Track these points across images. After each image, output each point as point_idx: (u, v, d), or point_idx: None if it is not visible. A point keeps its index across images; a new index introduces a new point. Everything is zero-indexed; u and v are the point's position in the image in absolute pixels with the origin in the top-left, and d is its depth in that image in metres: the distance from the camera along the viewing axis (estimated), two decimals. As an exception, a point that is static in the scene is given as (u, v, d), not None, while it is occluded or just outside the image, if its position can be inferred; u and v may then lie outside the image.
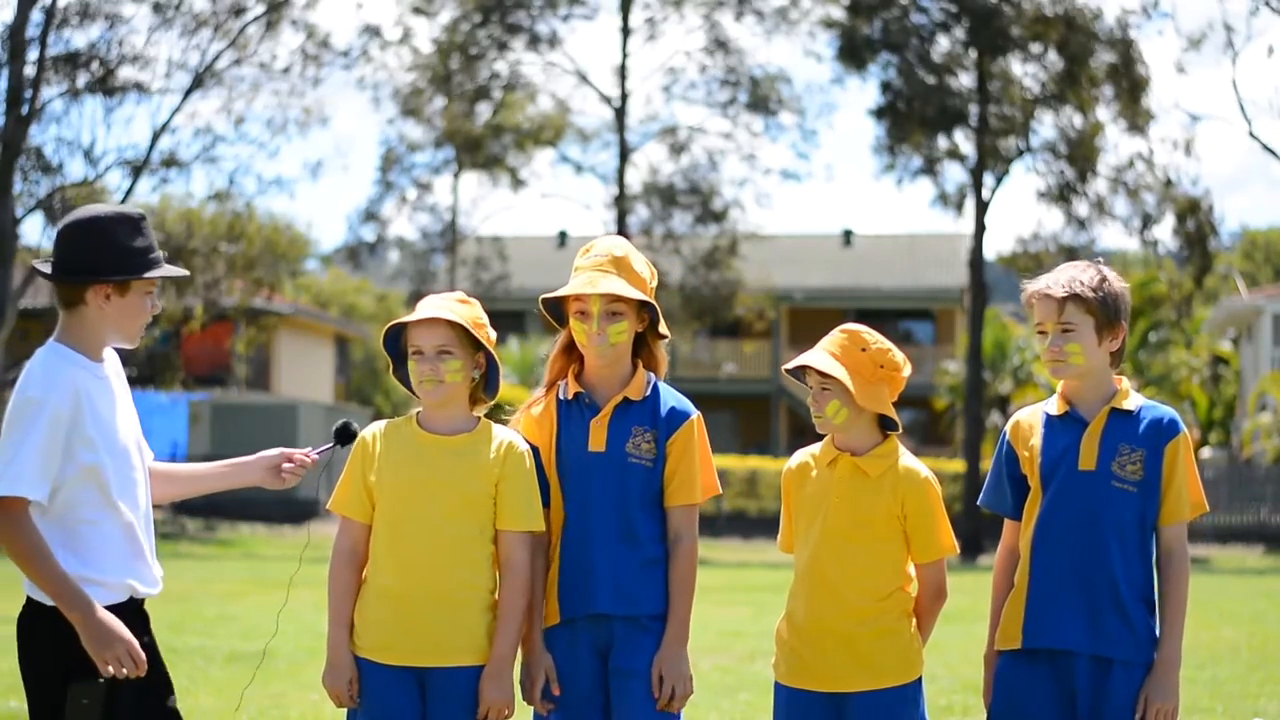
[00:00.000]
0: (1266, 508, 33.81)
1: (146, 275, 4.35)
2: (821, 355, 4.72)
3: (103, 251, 4.30)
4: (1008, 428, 4.84)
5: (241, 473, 4.70)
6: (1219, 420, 47.22)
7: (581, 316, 4.72)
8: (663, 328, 4.82)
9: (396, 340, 4.80)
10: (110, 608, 4.26)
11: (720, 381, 47.86)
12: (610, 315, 4.70)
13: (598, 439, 4.73)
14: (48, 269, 4.35)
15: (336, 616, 4.73)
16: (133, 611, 4.36)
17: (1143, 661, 4.59)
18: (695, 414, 4.80)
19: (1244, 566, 27.71)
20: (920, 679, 4.81)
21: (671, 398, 4.79)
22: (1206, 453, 42.99)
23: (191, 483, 4.74)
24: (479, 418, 4.80)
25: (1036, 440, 4.72)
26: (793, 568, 4.99)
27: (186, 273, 4.61)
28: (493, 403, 4.83)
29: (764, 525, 34.33)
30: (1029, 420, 4.80)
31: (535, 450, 4.77)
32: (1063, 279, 4.66)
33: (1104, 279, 4.65)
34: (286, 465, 4.66)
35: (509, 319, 47.12)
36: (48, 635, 4.20)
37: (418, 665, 4.67)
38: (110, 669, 4.17)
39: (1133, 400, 4.68)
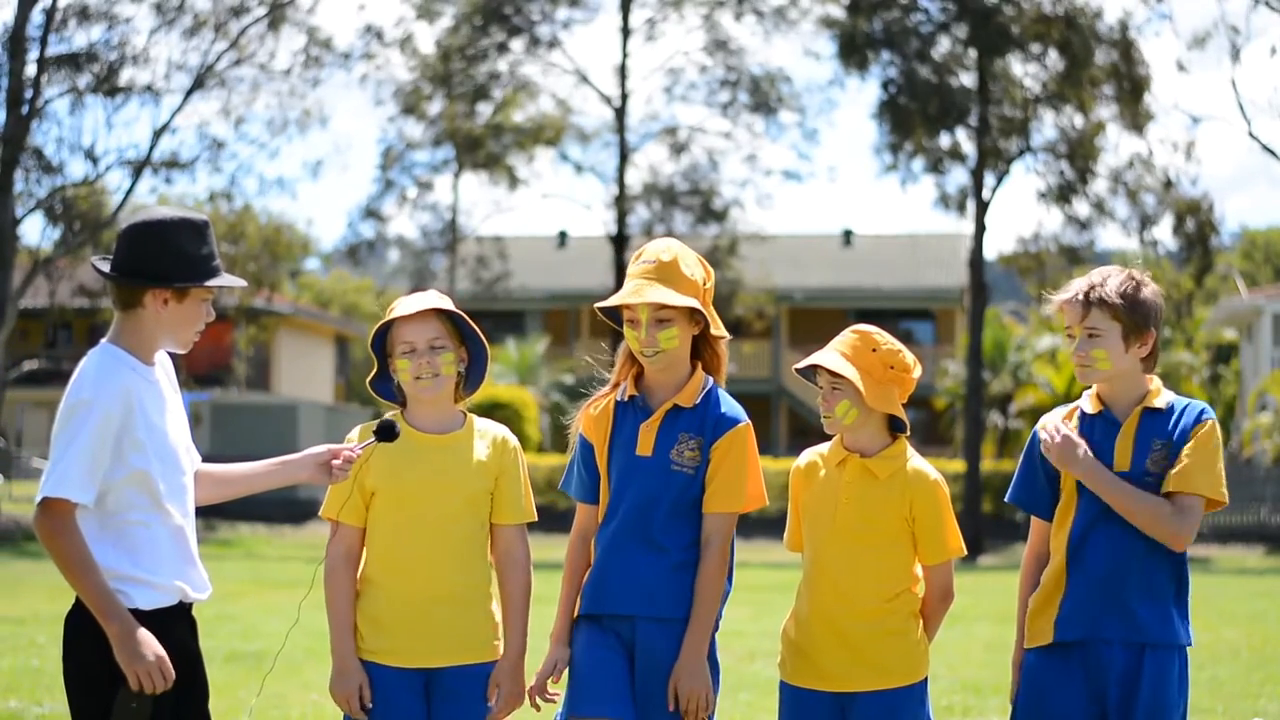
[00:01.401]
0: (1266, 508, 33.79)
1: (206, 284, 4.32)
2: (833, 355, 4.73)
3: (164, 256, 4.27)
4: (1038, 428, 4.80)
5: (291, 470, 4.63)
6: (1219, 420, 47.21)
7: (632, 324, 4.74)
8: (719, 329, 4.81)
9: (380, 343, 4.79)
10: (161, 610, 4.23)
11: (720, 381, 47.72)
12: (658, 322, 4.70)
13: (645, 443, 4.74)
14: (106, 267, 4.32)
15: (339, 623, 4.72)
16: (181, 616, 4.33)
17: (1172, 643, 4.59)
18: (744, 422, 4.79)
19: (1244, 566, 27.71)
20: (926, 680, 4.81)
21: (723, 405, 4.79)
22: (1206, 453, 42.86)
23: (244, 483, 4.68)
24: (464, 413, 4.81)
25: None
26: (795, 567, 5.00)
27: (244, 283, 4.59)
28: (468, 398, 4.83)
29: (764, 525, 34.25)
30: (1062, 421, 4.76)
31: (590, 447, 4.80)
32: (1090, 285, 4.65)
33: (1133, 285, 4.64)
34: (336, 462, 4.58)
35: (509, 319, 47.11)
36: (95, 636, 4.16)
37: (427, 666, 4.68)
38: (139, 682, 4.12)
39: (1164, 398, 4.68)
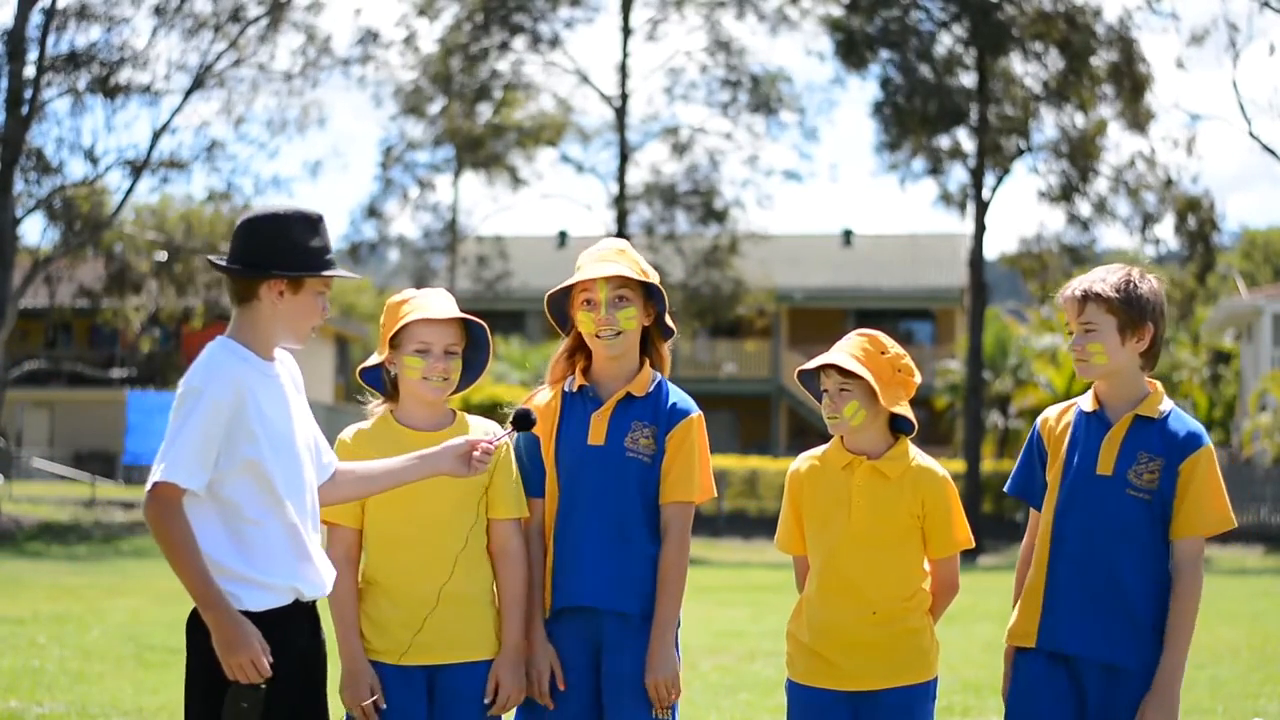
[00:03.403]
0: (1266, 508, 33.77)
1: (323, 274, 4.28)
2: (844, 356, 4.75)
3: (278, 248, 4.24)
4: (1039, 420, 4.84)
5: (431, 463, 4.53)
6: (1219, 420, 47.24)
7: (588, 306, 4.71)
8: (669, 320, 4.81)
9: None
10: (275, 611, 4.19)
11: (720, 381, 47.84)
12: (618, 300, 4.69)
13: (597, 432, 4.73)
14: (222, 263, 4.30)
15: (344, 625, 4.72)
16: (300, 614, 4.28)
17: (1150, 672, 4.58)
18: (696, 412, 4.80)
19: (1244, 566, 27.68)
20: (937, 677, 4.84)
21: (675, 395, 4.80)
22: (1206, 453, 42.85)
23: (387, 479, 4.58)
24: (454, 411, 4.83)
25: (1063, 437, 4.73)
26: (793, 568, 5.02)
27: (358, 276, 4.58)
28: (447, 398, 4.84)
29: (764, 525, 34.31)
30: (1060, 416, 4.80)
31: (536, 440, 4.78)
32: (1088, 280, 4.68)
33: (1130, 280, 4.64)
34: (476, 453, 4.50)
35: (509, 319, 47.14)
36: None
37: (429, 664, 4.68)
38: (233, 674, 4.09)
39: (1161, 406, 4.67)
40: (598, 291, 4.69)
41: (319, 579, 4.33)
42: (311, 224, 4.30)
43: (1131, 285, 4.64)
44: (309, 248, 4.27)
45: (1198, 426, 4.69)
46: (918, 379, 4.85)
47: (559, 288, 4.78)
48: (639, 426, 4.73)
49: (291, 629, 4.23)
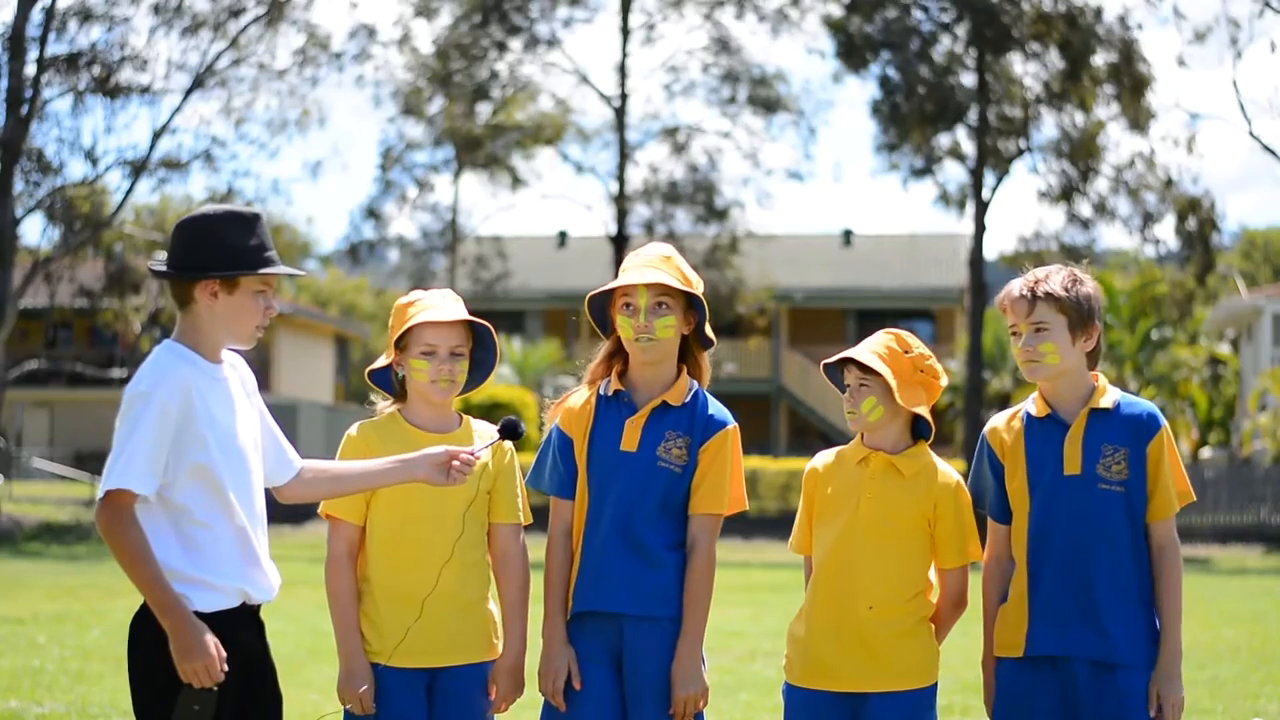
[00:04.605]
0: (1266, 508, 33.74)
1: (257, 272, 4.25)
2: (865, 352, 4.76)
3: (208, 249, 4.22)
4: (986, 431, 4.83)
5: (408, 469, 4.51)
6: (1219, 420, 47.23)
7: (628, 310, 4.71)
8: (708, 331, 4.81)
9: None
10: (222, 612, 4.19)
11: (720, 381, 47.43)
12: (658, 308, 4.68)
13: (630, 439, 4.71)
14: (161, 268, 4.28)
15: (345, 621, 4.72)
16: (246, 618, 4.28)
17: (1143, 663, 4.59)
18: (732, 424, 4.78)
19: (1244, 566, 27.67)
20: (937, 684, 4.80)
21: (712, 406, 4.78)
22: (1206, 453, 42.98)
23: (360, 480, 4.57)
24: (460, 414, 4.84)
25: (1019, 445, 4.72)
26: (796, 567, 4.99)
27: (300, 272, 4.53)
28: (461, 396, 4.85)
29: (764, 525, 34.28)
30: (1009, 424, 4.78)
31: (570, 442, 4.77)
32: (1033, 280, 4.68)
33: (1076, 280, 4.68)
34: (455, 463, 4.47)
35: (509, 319, 47.12)
36: (159, 636, 4.11)
37: (430, 666, 4.69)
38: (187, 677, 4.08)
39: (1110, 396, 4.69)
40: (638, 297, 4.69)
41: (267, 583, 4.33)
42: (246, 223, 4.27)
43: (1078, 284, 4.67)
44: (243, 247, 4.24)
45: (1151, 406, 4.72)
46: (944, 382, 4.83)
47: (600, 290, 4.79)
48: (673, 436, 4.72)
49: (237, 630, 4.22)
